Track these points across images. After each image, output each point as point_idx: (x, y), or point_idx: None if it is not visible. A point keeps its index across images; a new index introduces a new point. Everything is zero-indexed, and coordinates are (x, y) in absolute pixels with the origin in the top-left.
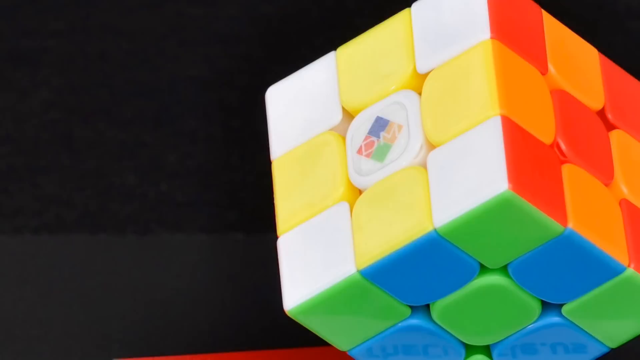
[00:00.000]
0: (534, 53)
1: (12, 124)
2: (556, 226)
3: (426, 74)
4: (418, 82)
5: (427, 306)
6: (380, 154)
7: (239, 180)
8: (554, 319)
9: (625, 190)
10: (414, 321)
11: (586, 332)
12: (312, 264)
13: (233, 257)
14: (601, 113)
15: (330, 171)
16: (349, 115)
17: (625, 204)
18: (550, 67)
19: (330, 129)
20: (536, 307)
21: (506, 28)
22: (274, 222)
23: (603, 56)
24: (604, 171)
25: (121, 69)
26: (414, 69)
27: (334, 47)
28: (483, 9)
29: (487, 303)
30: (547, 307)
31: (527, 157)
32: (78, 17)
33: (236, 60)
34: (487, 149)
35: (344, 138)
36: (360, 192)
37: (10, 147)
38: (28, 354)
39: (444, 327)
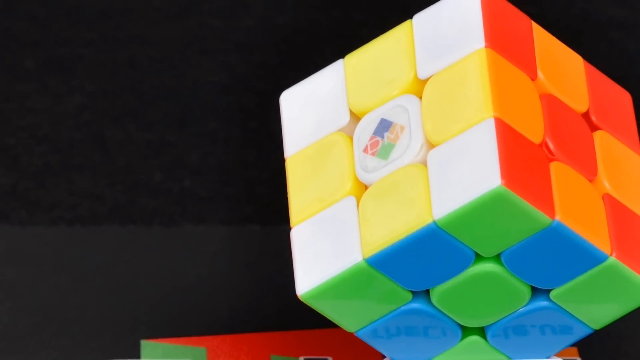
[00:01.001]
0: (525, 60)
1: (48, 126)
2: (544, 218)
3: (426, 80)
4: (419, 87)
5: (427, 291)
6: (384, 153)
7: (256, 176)
8: (543, 303)
9: (607, 186)
10: (415, 305)
11: (572, 315)
12: (322, 252)
13: (250, 246)
14: (586, 115)
15: (338, 168)
16: (355, 118)
17: (607, 198)
18: (539, 74)
19: (339, 130)
20: (526, 292)
21: (499, 38)
22: (287, 215)
23: (587, 63)
24: (588, 168)
25: (148, 75)
26: (415, 75)
27: (342, 55)
28: (478, 20)
29: (481, 289)
30: (537, 292)
31: (518, 156)
32: (109, 28)
33: (253, 67)
34: (482, 148)
35: (351, 138)
36: (366, 187)
37: (47, 146)
38: (63, 335)
39: (443, 310)
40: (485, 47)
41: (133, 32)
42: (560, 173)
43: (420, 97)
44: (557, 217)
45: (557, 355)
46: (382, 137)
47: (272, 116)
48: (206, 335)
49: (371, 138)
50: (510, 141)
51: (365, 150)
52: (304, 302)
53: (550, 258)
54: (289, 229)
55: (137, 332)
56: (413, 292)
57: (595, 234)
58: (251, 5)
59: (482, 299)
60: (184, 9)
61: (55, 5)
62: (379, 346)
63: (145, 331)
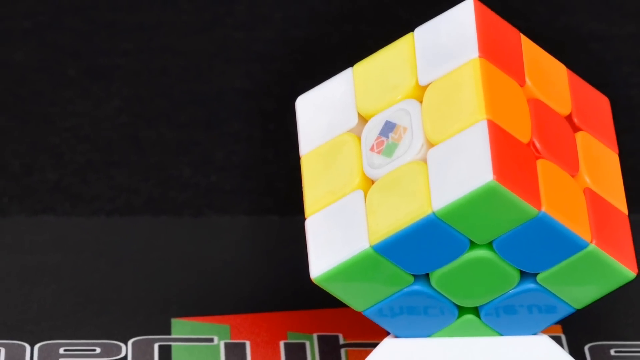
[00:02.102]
0: (514, 69)
1: (90, 127)
2: (532, 210)
3: (426, 86)
4: (420, 92)
5: (427, 275)
6: (389, 151)
7: (274, 172)
8: (530, 285)
9: (588, 181)
10: (416, 287)
11: (556, 296)
12: (333, 240)
13: (269, 235)
14: (569, 117)
15: (348, 165)
16: (363, 120)
17: (588, 192)
18: (527, 80)
19: (348, 131)
20: (516, 275)
21: (491, 48)
22: (302, 207)
23: (570, 71)
24: (571, 165)
25: (178, 81)
26: (417, 82)
27: (351, 64)
28: (472, 33)
29: (475, 272)
30: (525, 275)
31: (508, 154)
32: (143, 40)
33: (272, 75)
34: (476, 147)
35: (359, 138)
36: (372, 182)
37: (89, 145)
38: (102, 314)
39: (441, 292)
40: (479, 57)
41: (165, 43)
42: (546, 169)
43: (421, 102)
44: (543, 209)
45: (543, 331)
46: (387, 137)
47: (289, 119)
48: (230, 314)
49: (377, 138)
50: (501, 141)
51: (372, 149)
52: (317, 284)
53: (537, 245)
54: (304, 219)
55: (169, 311)
56: (414, 276)
57: (577, 223)
58: (270, 19)
59: (476, 281)
60: (210, 23)
61: (95, 20)
62: (384, 324)
63: (176, 310)
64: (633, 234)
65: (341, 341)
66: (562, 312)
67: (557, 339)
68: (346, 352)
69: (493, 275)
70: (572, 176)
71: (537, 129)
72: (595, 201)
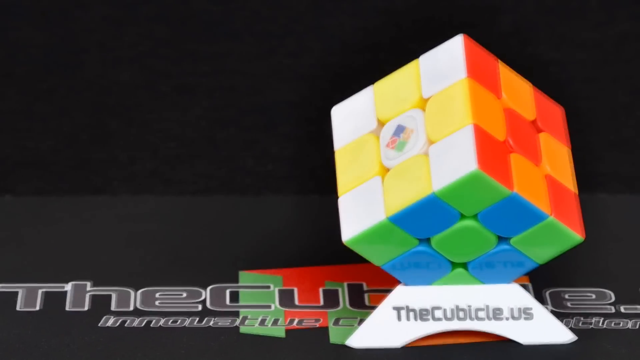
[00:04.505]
0: (493, 85)
1: (178, 129)
2: (506, 191)
3: (428, 98)
4: (423, 103)
5: (429, 239)
6: (400, 147)
7: (315, 163)
8: (505, 246)
9: (548, 169)
10: (421, 248)
11: (524, 254)
12: (359, 213)
13: (311, 210)
14: (534, 122)
15: (369, 157)
16: (381, 124)
17: (548, 178)
18: (503, 94)
19: (370, 132)
20: (494, 239)
21: (476, 71)
22: (336, 189)
23: (535, 87)
24: (535, 157)
25: (244, 95)
26: (421, 95)
27: (372, 82)
28: (462, 59)
29: (465, 237)
30: (501, 239)
31: (489, 149)
32: (217, 65)
33: (313, 90)
34: (465, 144)
35: (378, 137)
36: (387, 170)
37: (177, 143)
38: (188, 268)
39: (439, 251)
40: (467, 77)
41: (234, 67)
42: (517, 161)
43: (424, 110)
44: (515, 190)
45: (515, 281)
46: (399, 136)
47: (326, 123)
48: (282, 268)
49: (391, 137)
50: (483, 139)
51: (387, 146)
52: (347, 246)
53: (510, 217)
54: (337, 198)
55: (237, 266)
56: (419, 239)
57: (540, 201)
58: (312, 49)
59: (465, 243)
60: (267, 52)
61: (181, 49)
62: (397, 275)
63: (242, 265)
64: (581, 208)
65: (365, 288)
66: (529, 267)
67: (525, 287)
68: (368, 295)
69: (477, 239)
70: (536, 166)
71: (510, 130)
72: (553, 184)
